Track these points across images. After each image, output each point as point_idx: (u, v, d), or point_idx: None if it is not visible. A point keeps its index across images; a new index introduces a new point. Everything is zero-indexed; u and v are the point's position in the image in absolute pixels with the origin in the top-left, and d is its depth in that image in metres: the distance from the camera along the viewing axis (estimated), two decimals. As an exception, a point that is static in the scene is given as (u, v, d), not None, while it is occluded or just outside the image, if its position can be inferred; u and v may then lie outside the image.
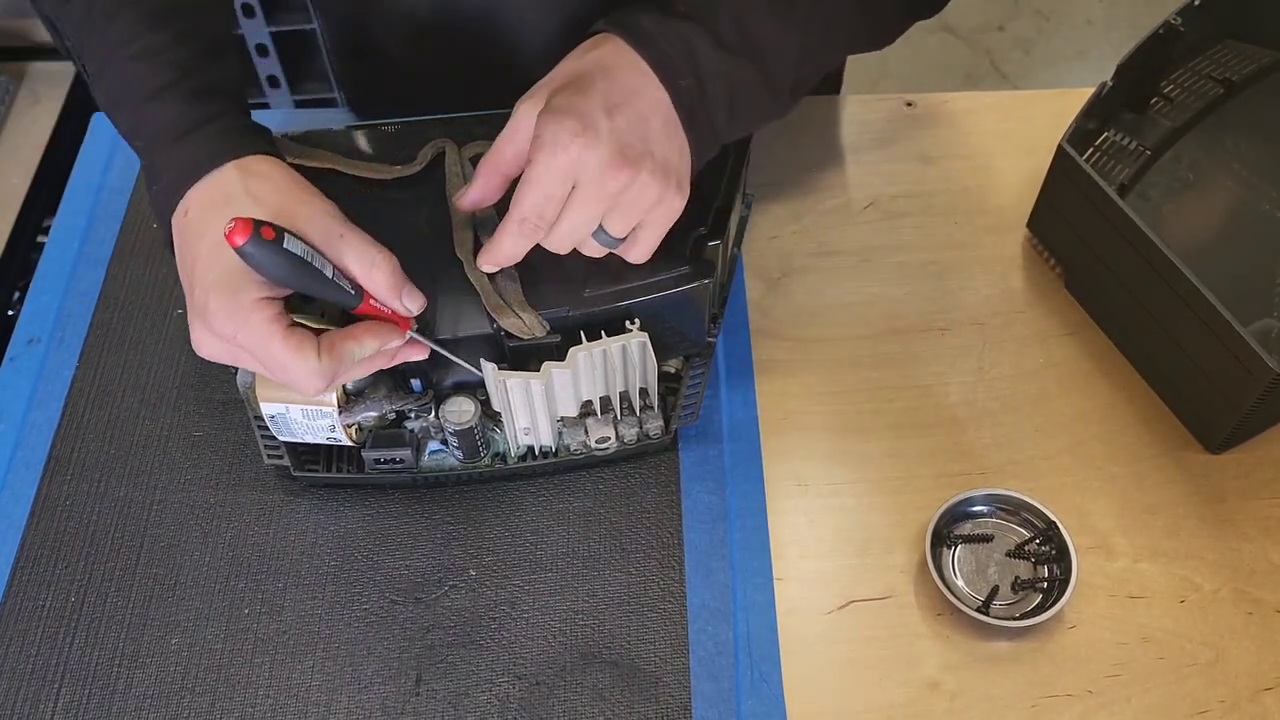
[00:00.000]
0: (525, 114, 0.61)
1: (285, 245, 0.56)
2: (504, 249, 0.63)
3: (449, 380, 0.70)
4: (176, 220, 0.62)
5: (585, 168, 0.59)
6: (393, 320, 0.63)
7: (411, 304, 0.63)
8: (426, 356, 0.66)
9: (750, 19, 0.64)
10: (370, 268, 0.60)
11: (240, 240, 0.55)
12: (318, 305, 0.62)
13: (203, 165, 0.61)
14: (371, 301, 0.62)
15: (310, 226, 0.60)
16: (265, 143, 0.63)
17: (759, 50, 0.65)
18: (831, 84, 1.04)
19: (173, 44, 0.63)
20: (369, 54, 0.89)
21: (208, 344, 0.60)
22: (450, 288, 0.67)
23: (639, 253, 0.64)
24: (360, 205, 0.69)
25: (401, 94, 0.87)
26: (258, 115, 0.99)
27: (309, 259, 0.58)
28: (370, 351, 0.62)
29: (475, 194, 0.64)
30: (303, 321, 0.60)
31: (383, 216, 0.69)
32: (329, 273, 0.59)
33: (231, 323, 0.58)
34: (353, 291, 0.60)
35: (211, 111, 0.62)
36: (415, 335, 0.64)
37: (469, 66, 0.82)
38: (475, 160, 0.71)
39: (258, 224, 0.55)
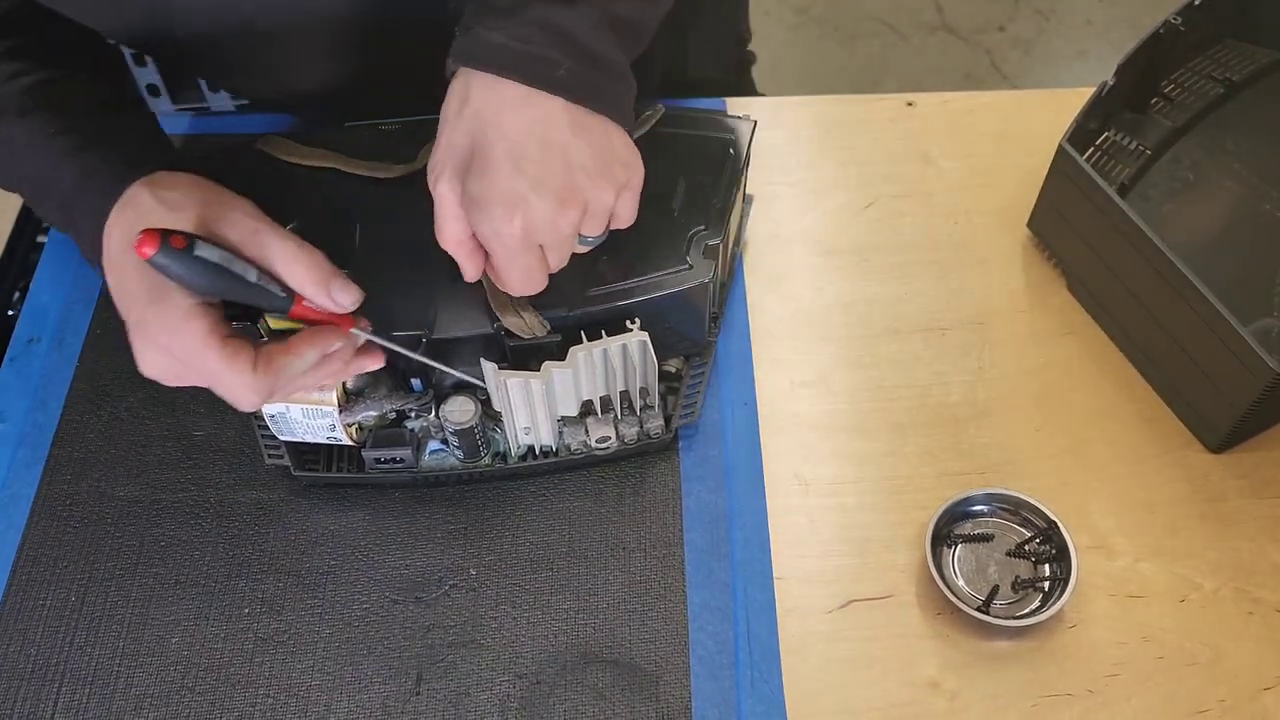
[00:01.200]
0: (446, 196, 0.59)
1: (197, 253, 0.54)
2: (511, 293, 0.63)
3: (449, 379, 0.71)
4: (106, 259, 0.60)
5: (536, 232, 0.59)
6: (332, 321, 0.60)
7: (344, 298, 0.59)
8: (383, 365, 0.65)
9: None
10: (291, 262, 0.58)
11: (150, 251, 0.53)
12: None
13: (110, 198, 0.60)
14: (304, 303, 0.59)
15: (228, 227, 0.58)
16: (170, 157, 0.63)
17: None
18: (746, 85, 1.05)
19: (52, 118, 0.64)
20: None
21: (150, 359, 0.59)
22: (451, 287, 0.67)
23: (623, 223, 0.63)
24: (361, 204, 0.70)
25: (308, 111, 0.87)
26: (258, 115, 0.98)
27: (226, 264, 0.55)
28: (310, 362, 0.59)
29: (469, 275, 0.63)
30: (278, 325, 0.59)
31: (384, 215, 0.69)
32: (252, 277, 0.56)
33: (166, 332, 0.57)
34: (283, 294, 0.58)
35: (104, 151, 0.62)
36: (362, 334, 0.62)
37: (354, 76, 0.79)
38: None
39: (165, 233, 0.54)
